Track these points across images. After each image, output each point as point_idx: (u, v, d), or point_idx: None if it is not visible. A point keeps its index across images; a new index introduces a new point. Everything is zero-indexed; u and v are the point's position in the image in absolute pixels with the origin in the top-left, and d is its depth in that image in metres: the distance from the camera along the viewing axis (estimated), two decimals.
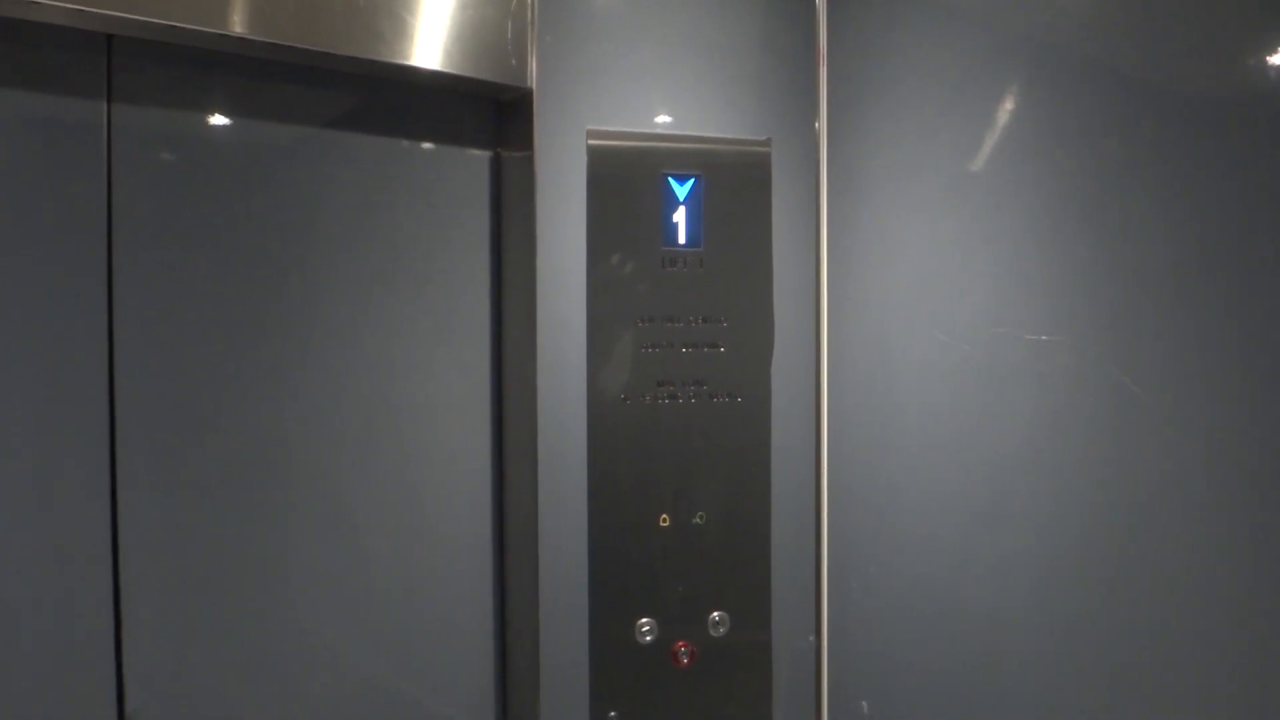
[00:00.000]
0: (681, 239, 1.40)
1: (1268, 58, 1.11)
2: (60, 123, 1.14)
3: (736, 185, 1.43)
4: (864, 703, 1.51)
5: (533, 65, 1.34)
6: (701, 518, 1.42)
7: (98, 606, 1.15)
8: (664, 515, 1.41)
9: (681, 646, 1.41)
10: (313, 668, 1.31)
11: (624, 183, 1.38)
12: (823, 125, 1.50)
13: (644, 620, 1.40)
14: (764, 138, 1.45)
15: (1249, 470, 1.13)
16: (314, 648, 1.31)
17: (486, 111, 1.43)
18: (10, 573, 1.10)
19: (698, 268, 1.41)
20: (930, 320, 1.42)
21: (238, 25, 1.14)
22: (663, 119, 1.41)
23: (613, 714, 1.39)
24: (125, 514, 1.17)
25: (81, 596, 1.15)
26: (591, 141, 1.37)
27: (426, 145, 1.40)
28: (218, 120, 1.25)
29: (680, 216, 1.40)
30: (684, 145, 1.41)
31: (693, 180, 1.40)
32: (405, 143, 1.38)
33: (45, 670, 1.12)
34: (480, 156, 1.43)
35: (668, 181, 1.40)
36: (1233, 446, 1.14)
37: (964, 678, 1.42)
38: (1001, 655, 1.37)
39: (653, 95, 1.41)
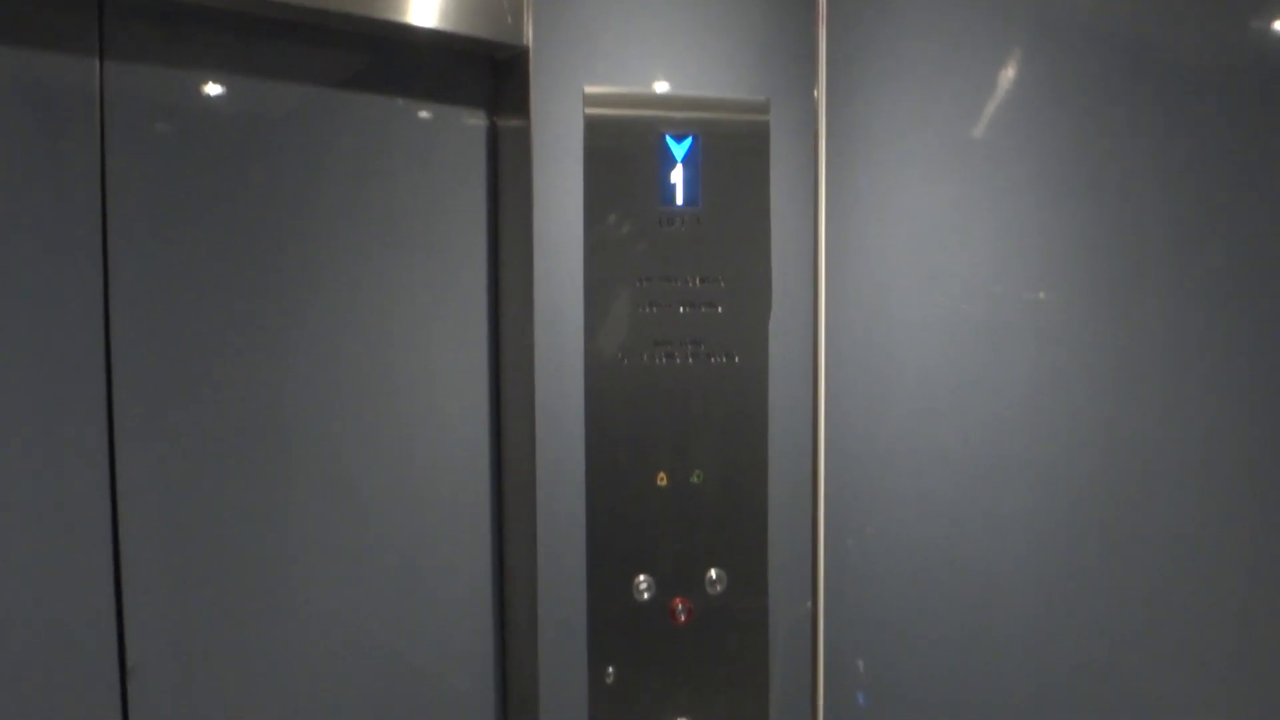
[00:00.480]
0: (679, 199, 1.39)
1: (1270, 24, 1.10)
2: (51, 82, 1.13)
3: (735, 145, 1.42)
4: (860, 661, 1.53)
5: (529, 23, 1.33)
6: (699, 477, 1.42)
7: (98, 563, 1.16)
8: (661, 474, 1.41)
9: (679, 604, 1.42)
10: (312, 628, 1.32)
11: (621, 143, 1.38)
12: (822, 85, 1.49)
13: (641, 578, 1.41)
14: (763, 98, 1.44)
15: (1246, 428, 1.13)
16: (313, 608, 1.32)
17: (483, 71, 1.42)
18: (11, 531, 1.11)
19: (695, 227, 1.40)
20: (928, 279, 1.42)
21: None
22: (660, 78, 1.40)
23: (611, 671, 1.40)
24: (124, 477, 1.17)
25: (82, 554, 1.15)
26: (589, 102, 1.36)
27: (423, 105, 1.39)
28: (211, 79, 1.24)
29: (678, 176, 1.39)
30: (682, 105, 1.40)
31: (690, 140, 1.39)
32: (401, 102, 1.37)
33: (46, 626, 1.13)
34: (476, 116, 1.42)
35: (665, 141, 1.39)
36: (1230, 405, 1.14)
37: (960, 636, 1.43)
38: (997, 614, 1.38)
39: (650, 54, 1.40)
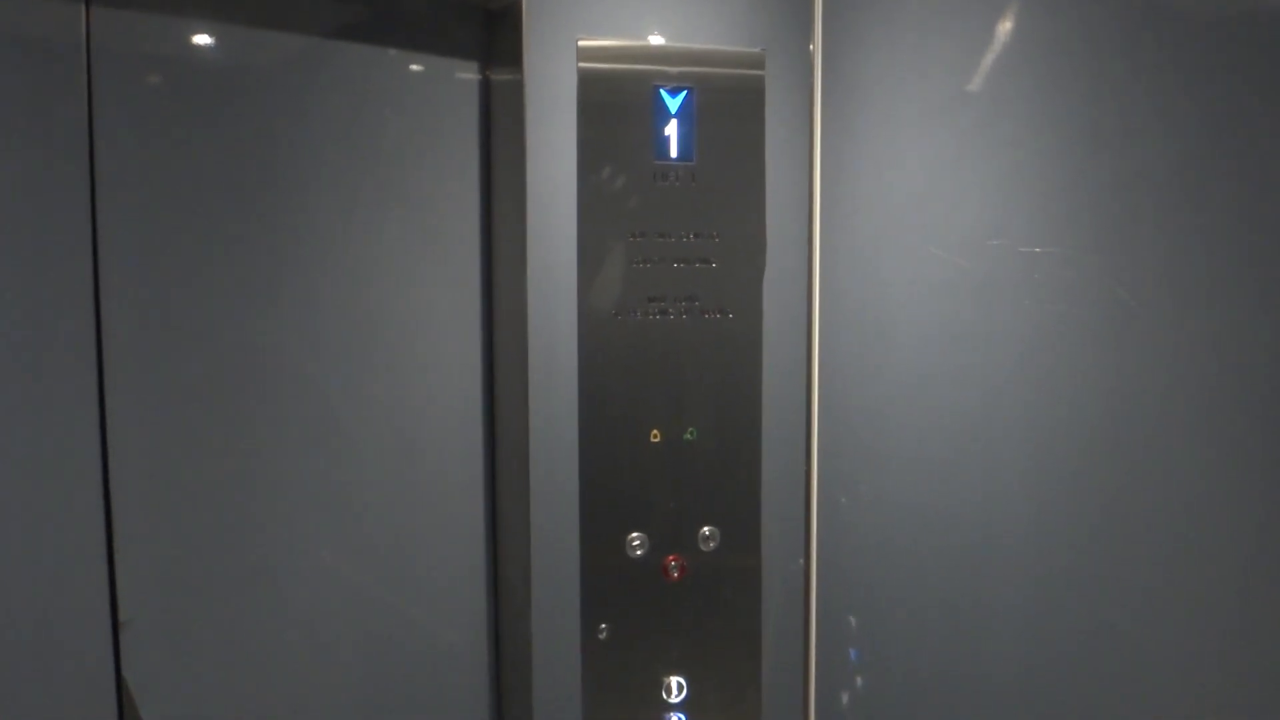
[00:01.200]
0: (673, 152, 1.38)
1: None
2: (36, 29, 1.11)
3: (730, 98, 1.40)
4: (852, 618, 1.53)
5: None
6: (692, 433, 1.42)
7: (89, 517, 1.16)
8: (655, 431, 1.41)
9: (672, 561, 1.42)
10: (303, 585, 1.32)
11: (615, 95, 1.36)
12: (817, 35, 1.47)
13: (635, 535, 1.41)
14: (758, 49, 1.42)
15: (1248, 384, 1.13)
16: (304, 565, 1.32)
17: (475, 21, 1.40)
18: (2, 486, 1.10)
19: (690, 182, 1.39)
20: (925, 234, 1.41)
21: None
22: (655, 29, 1.38)
23: (604, 627, 1.41)
24: (114, 429, 1.17)
25: (72, 508, 1.15)
26: (582, 55, 1.34)
27: (414, 56, 1.37)
28: (201, 27, 1.22)
29: (672, 129, 1.38)
30: (677, 57, 1.38)
31: (685, 93, 1.38)
32: (392, 53, 1.35)
33: (38, 582, 1.13)
34: (469, 68, 1.41)
35: (660, 94, 1.37)
36: (1231, 361, 1.14)
37: (954, 594, 1.43)
38: (991, 571, 1.39)
39: (644, 5, 1.38)
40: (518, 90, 1.32)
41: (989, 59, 1.33)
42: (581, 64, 1.34)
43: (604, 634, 1.41)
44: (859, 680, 1.54)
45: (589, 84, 1.35)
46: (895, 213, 1.44)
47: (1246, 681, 1.15)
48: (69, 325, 1.14)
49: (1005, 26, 1.32)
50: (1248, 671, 1.15)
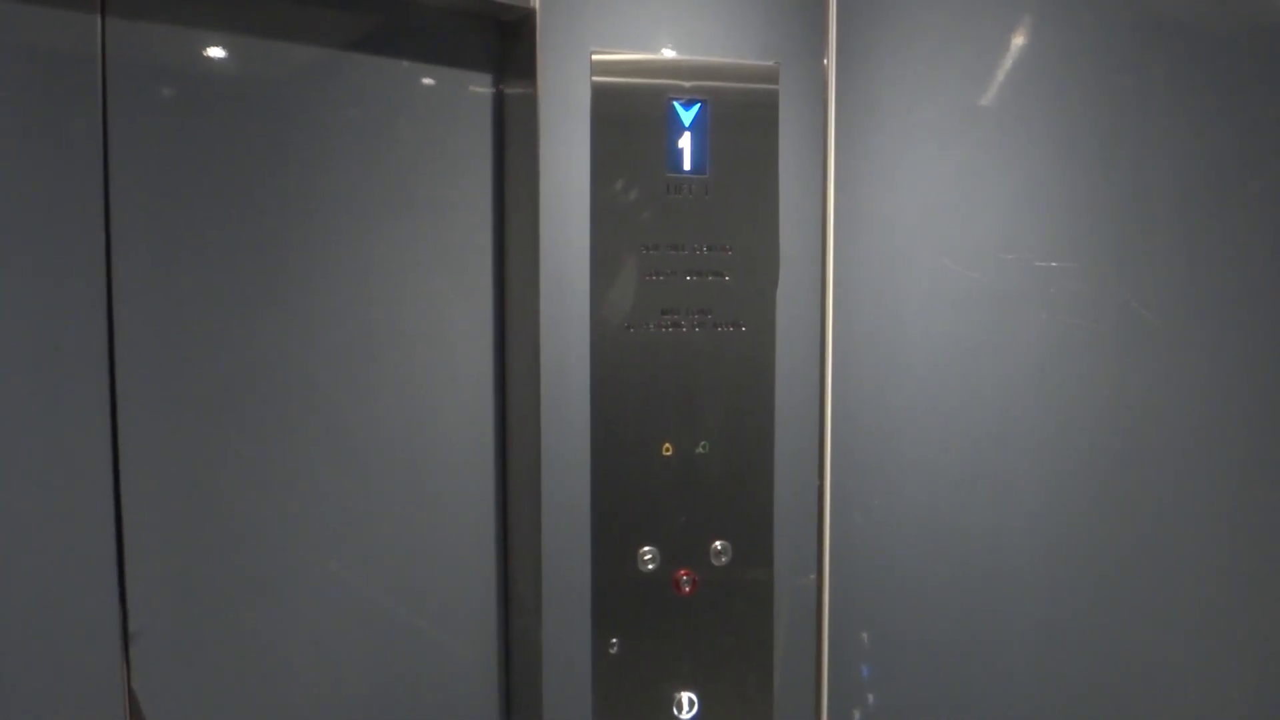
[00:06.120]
0: (687, 165, 1.38)
1: None
2: (51, 41, 1.11)
3: (743, 110, 1.40)
4: (864, 634, 1.52)
5: None
6: (705, 447, 1.41)
7: (99, 529, 1.15)
8: (667, 444, 1.40)
9: (683, 575, 1.42)
10: (314, 596, 1.32)
11: (628, 108, 1.36)
12: (832, 49, 1.47)
13: (646, 549, 1.40)
14: (772, 62, 1.42)
15: (1262, 395, 1.12)
16: (315, 575, 1.32)
17: (489, 33, 1.40)
18: (12, 497, 1.10)
19: (703, 194, 1.39)
20: (938, 248, 1.40)
21: None
22: (668, 42, 1.38)
23: (615, 641, 1.40)
24: (126, 435, 1.16)
25: (83, 519, 1.15)
26: (596, 69, 1.34)
27: (428, 68, 1.37)
28: (215, 39, 1.22)
29: (685, 142, 1.38)
30: (690, 71, 1.38)
31: (699, 105, 1.38)
32: (406, 65, 1.35)
33: (48, 594, 1.12)
34: (483, 80, 1.41)
35: (673, 106, 1.37)
36: (1237, 371, 1.13)
37: (966, 608, 1.42)
38: (1004, 586, 1.38)
39: (658, 18, 1.38)
40: (531, 103, 1.32)
41: (1003, 73, 1.33)
42: (595, 77, 1.34)
43: (615, 648, 1.40)
44: (871, 697, 1.53)
45: (603, 97, 1.35)
46: (909, 226, 1.43)
47: (1265, 705, 1.14)
48: (82, 335, 1.14)
49: (1019, 40, 1.32)
50: (1246, 663, 1.14)
